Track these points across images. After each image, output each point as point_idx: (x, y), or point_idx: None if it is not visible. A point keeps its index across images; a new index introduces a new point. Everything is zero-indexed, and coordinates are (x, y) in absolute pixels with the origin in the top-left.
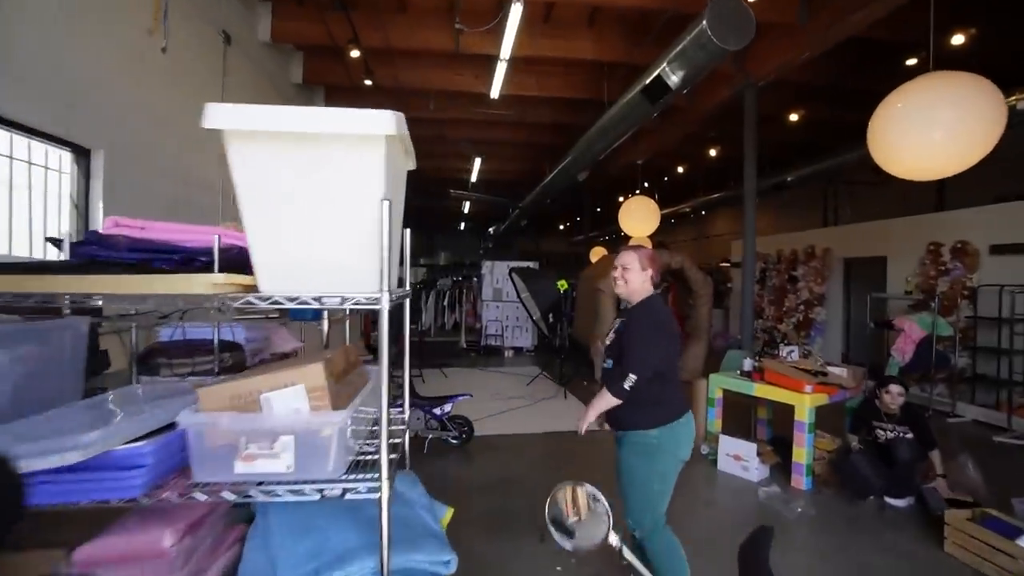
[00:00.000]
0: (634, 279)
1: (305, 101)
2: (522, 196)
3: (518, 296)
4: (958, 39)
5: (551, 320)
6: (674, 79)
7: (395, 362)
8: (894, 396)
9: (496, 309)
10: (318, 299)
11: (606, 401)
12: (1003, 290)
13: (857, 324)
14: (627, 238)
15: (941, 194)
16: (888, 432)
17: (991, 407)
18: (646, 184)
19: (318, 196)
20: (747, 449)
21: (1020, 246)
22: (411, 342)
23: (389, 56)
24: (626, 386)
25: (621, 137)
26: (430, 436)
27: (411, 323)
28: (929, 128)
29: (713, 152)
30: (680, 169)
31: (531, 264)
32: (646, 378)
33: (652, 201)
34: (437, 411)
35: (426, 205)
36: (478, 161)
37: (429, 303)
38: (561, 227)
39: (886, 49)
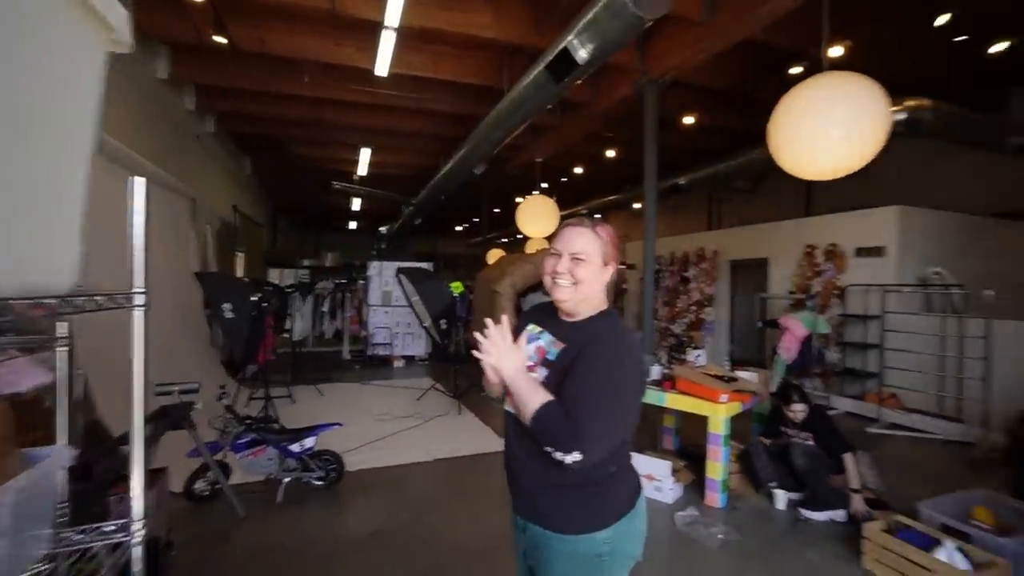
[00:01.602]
0: (591, 279)
1: (143, 65)
2: (417, 193)
3: (407, 301)
4: (837, 51)
5: (444, 326)
6: (582, 53)
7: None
8: (796, 413)
9: (385, 315)
10: None
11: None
12: (867, 289)
13: (741, 323)
14: (526, 239)
15: (809, 201)
16: (793, 438)
17: (859, 398)
18: (544, 184)
19: None
20: (661, 468)
21: (879, 248)
22: (280, 355)
23: (251, 12)
24: (567, 461)
25: (522, 124)
26: (286, 480)
27: (282, 331)
28: (826, 126)
29: (611, 153)
30: (579, 170)
31: (423, 265)
32: (599, 459)
33: (551, 200)
34: (295, 448)
35: (308, 200)
36: (366, 152)
37: (305, 309)
38: (459, 228)
39: (776, 56)
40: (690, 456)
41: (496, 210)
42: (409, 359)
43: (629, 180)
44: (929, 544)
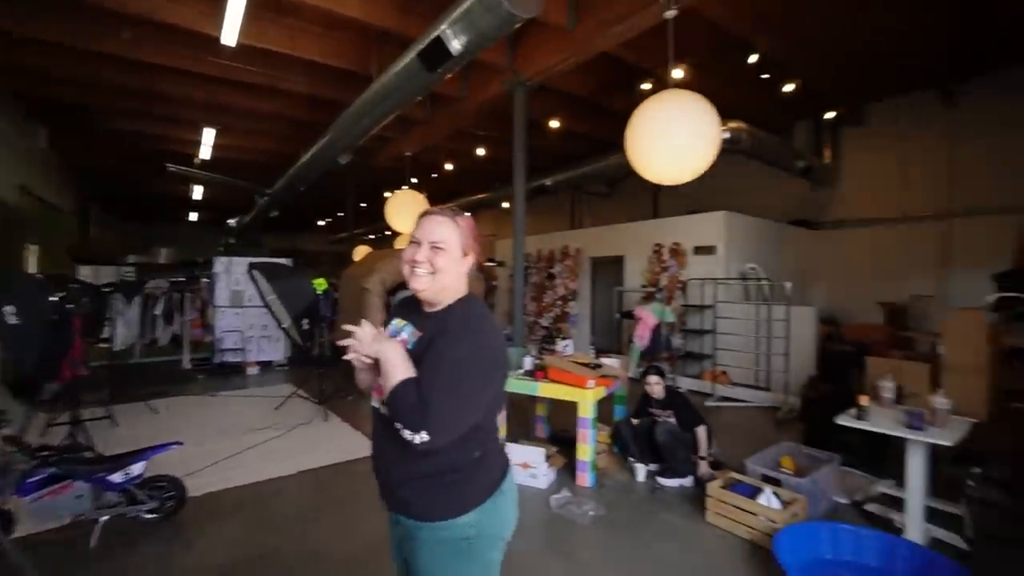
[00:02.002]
0: (450, 268)
1: None
2: (273, 182)
3: (262, 300)
4: (678, 73)
5: (306, 327)
6: (456, 44)
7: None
8: (652, 386)
9: (235, 317)
10: None
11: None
12: (703, 283)
13: (601, 315)
14: (395, 236)
15: (656, 205)
16: (656, 416)
17: (697, 377)
18: (414, 180)
19: None
20: (535, 456)
21: (712, 248)
22: (96, 368)
23: None
24: (416, 441)
25: (391, 113)
26: (103, 518)
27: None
28: (673, 136)
29: (482, 151)
30: (449, 166)
31: (281, 260)
32: (447, 442)
33: (421, 195)
34: (116, 478)
35: (135, 186)
36: (211, 133)
37: (130, 313)
38: (321, 223)
39: (630, 71)
40: (561, 441)
41: (363, 205)
42: (266, 365)
43: (498, 179)
44: (754, 492)
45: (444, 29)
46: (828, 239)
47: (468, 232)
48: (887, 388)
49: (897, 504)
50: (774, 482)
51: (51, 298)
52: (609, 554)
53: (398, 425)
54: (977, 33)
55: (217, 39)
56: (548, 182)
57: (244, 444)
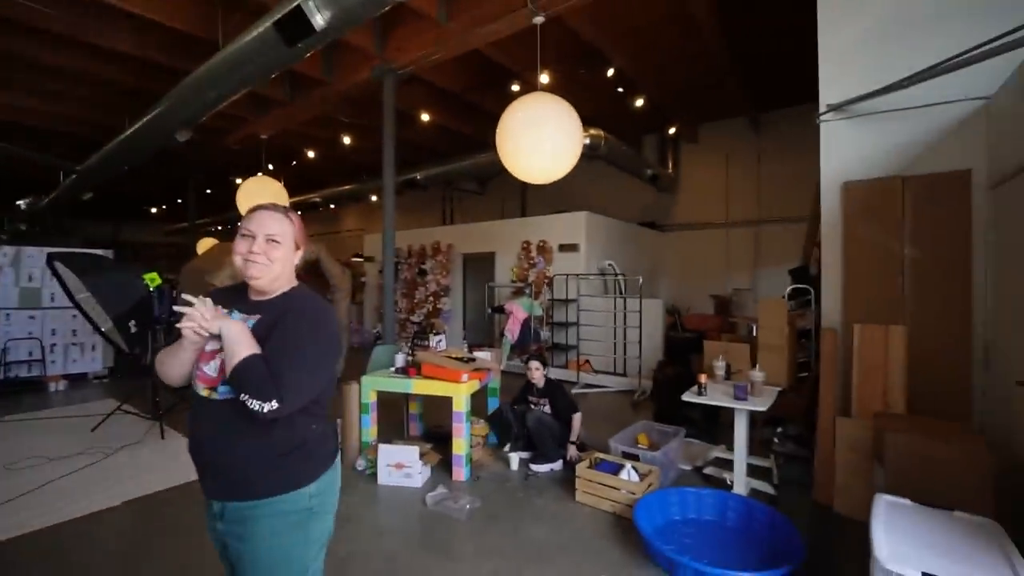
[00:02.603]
0: (285, 259)
1: None
2: (87, 157)
3: (71, 299)
4: (544, 78)
5: (134, 329)
6: (319, 19)
7: None
8: (533, 372)
9: (30, 321)
10: None
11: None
12: (567, 278)
13: (473, 310)
14: None
15: (524, 204)
16: (534, 404)
17: (563, 367)
18: (271, 167)
19: None
20: (408, 455)
21: (575, 245)
22: None
23: None
24: (264, 410)
25: (242, 88)
26: None
27: None
28: (542, 136)
29: (348, 140)
30: (312, 154)
31: (96, 252)
32: (294, 409)
33: (278, 183)
34: None
35: None
36: None
37: None
38: (154, 211)
39: (500, 72)
40: (436, 438)
41: (208, 191)
42: (78, 378)
43: (366, 170)
44: (616, 469)
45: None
46: (670, 239)
47: (299, 227)
48: (719, 367)
49: (728, 465)
50: (633, 458)
51: None
52: (485, 544)
53: (244, 397)
54: (774, 76)
55: None
56: (419, 176)
57: (43, 478)
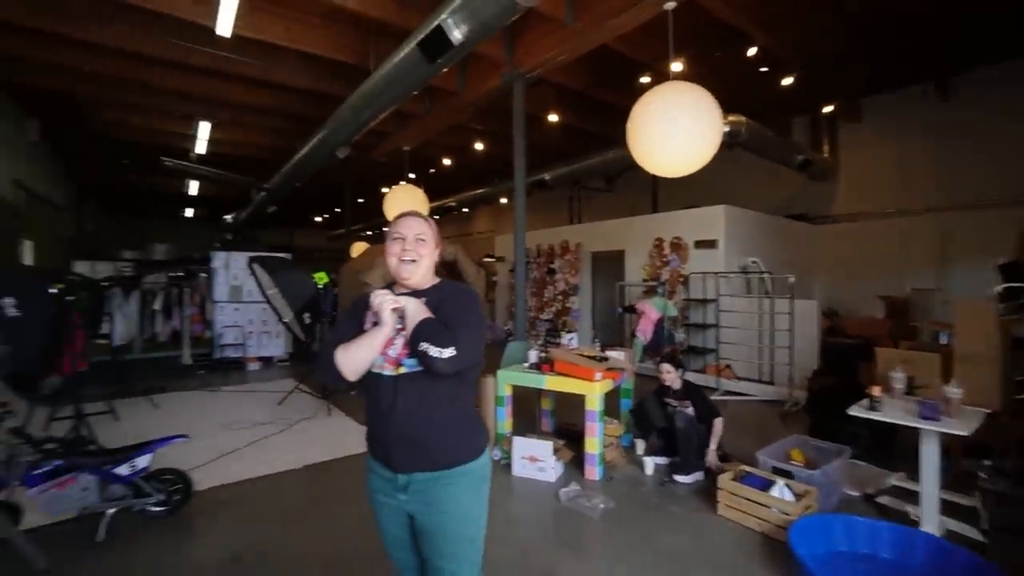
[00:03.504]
0: (431, 256)
1: None
2: (270, 177)
3: (263, 294)
4: (677, 66)
5: (308, 321)
6: (456, 34)
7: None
8: (664, 375)
9: (235, 312)
10: None
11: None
12: (705, 277)
13: (602, 309)
14: None
15: (655, 200)
16: (673, 407)
17: (701, 372)
18: (412, 175)
19: None
20: (542, 449)
21: (713, 241)
22: (95, 364)
23: None
24: (443, 356)
25: (390, 106)
26: (110, 511)
27: (97, 335)
28: (675, 128)
29: (480, 146)
30: (447, 161)
31: (281, 255)
32: (472, 365)
33: (420, 190)
34: (123, 470)
35: (129, 180)
36: (206, 126)
37: (129, 308)
38: (319, 219)
39: (627, 65)
40: (567, 435)
41: (360, 200)
42: (267, 361)
43: (496, 174)
44: (765, 485)
45: (445, 18)
46: (825, 233)
47: (437, 232)
48: (898, 379)
49: (910, 497)
50: (785, 475)
51: (51, 290)
52: (617, 546)
53: (425, 345)
54: (969, 26)
55: (212, 30)
56: (547, 176)
57: (247, 439)
